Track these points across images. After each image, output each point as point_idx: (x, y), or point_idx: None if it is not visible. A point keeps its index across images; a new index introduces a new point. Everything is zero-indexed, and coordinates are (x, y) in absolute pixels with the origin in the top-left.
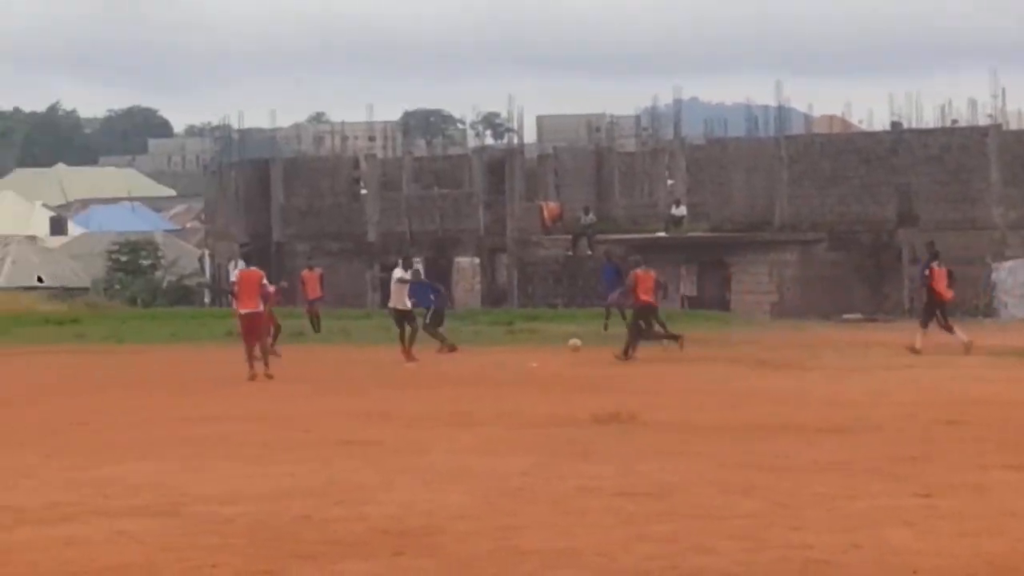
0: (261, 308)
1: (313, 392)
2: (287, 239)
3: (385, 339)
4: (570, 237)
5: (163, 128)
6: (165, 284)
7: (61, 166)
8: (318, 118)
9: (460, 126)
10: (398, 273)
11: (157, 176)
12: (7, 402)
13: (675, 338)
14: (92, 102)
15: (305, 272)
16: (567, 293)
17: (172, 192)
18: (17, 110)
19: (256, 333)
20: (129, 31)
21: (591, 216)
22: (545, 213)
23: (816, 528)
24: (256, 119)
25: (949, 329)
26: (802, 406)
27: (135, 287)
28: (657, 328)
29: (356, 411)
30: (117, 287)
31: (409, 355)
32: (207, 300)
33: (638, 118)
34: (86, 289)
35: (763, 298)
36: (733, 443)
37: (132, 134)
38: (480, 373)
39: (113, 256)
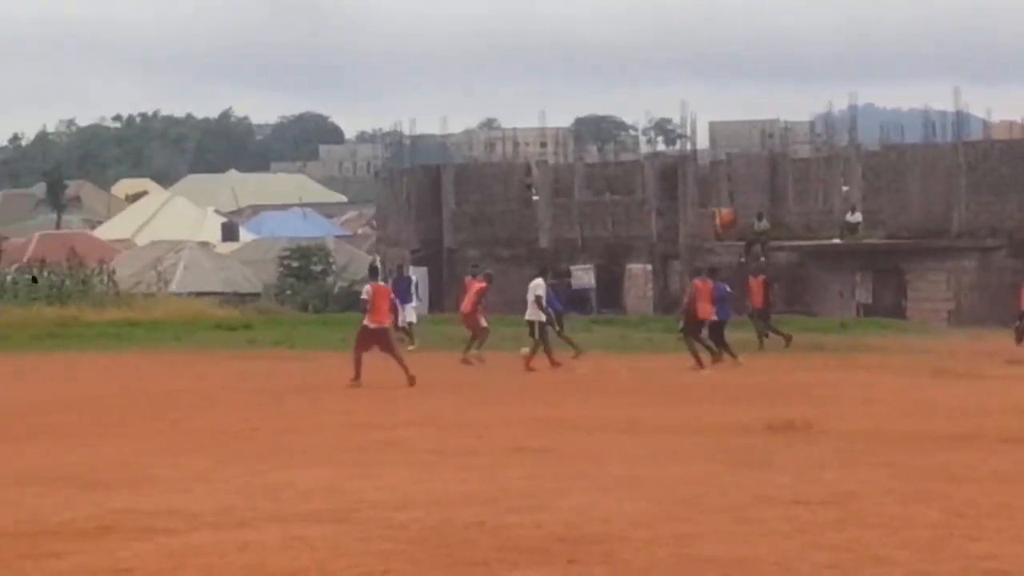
0: (390, 323)
1: (483, 399)
2: (458, 245)
3: (555, 346)
4: (743, 244)
5: (334, 134)
6: (336, 290)
7: (233, 172)
8: (489, 124)
9: (632, 132)
10: (542, 287)
11: (328, 182)
12: (180, 407)
13: (734, 355)
14: (264, 108)
15: (468, 279)
16: (739, 300)
17: (343, 198)
18: (190, 116)
19: (382, 345)
20: (301, 38)
21: (764, 223)
22: (718, 220)
23: (998, 539)
24: (427, 125)
25: None
26: (981, 415)
27: (306, 293)
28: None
29: (527, 418)
30: (288, 293)
31: (527, 363)
32: None
33: (812, 124)
34: (257, 295)
35: (940, 305)
36: (911, 452)
37: (303, 140)
38: (652, 380)
39: (284, 262)
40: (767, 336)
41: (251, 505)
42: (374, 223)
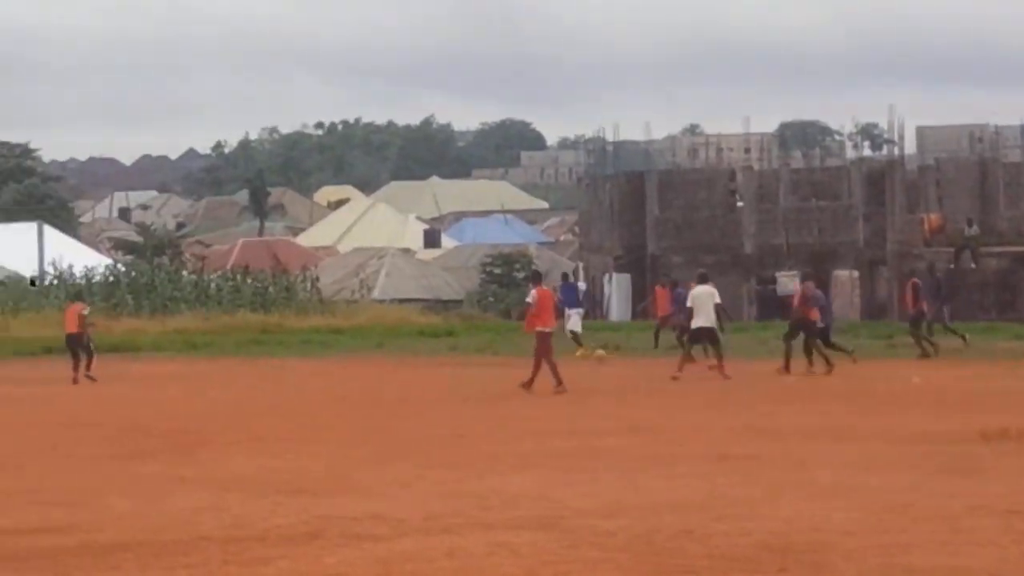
0: (554, 327)
1: (685, 406)
2: (662, 251)
3: (761, 353)
4: (953, 249)
5: (536, 141)
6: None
7: (435, 179)
8: (692, 130)
9: (837, 137)
10: (714, 293)
11: (530, 188)
12: (384, 414)
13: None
14: (466, 115)
15: (658, 288)
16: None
17: (544, 204)
18: (391, 124)
19: (551, 349)
20: (503, 45)
21: (975, 228)
22: (926, 225)
23: None
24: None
25: None
26: None
27: (509, 299)
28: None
29: (731, 425)
30: (491, 299)
31: (722, 371)
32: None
33: (1023, 128)
34: (459, 301)
35: None
36: None
37: (505, 147)
38: (860, 387)
39: (486, 268)
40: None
41: (457, 511)
42: (576, 229)
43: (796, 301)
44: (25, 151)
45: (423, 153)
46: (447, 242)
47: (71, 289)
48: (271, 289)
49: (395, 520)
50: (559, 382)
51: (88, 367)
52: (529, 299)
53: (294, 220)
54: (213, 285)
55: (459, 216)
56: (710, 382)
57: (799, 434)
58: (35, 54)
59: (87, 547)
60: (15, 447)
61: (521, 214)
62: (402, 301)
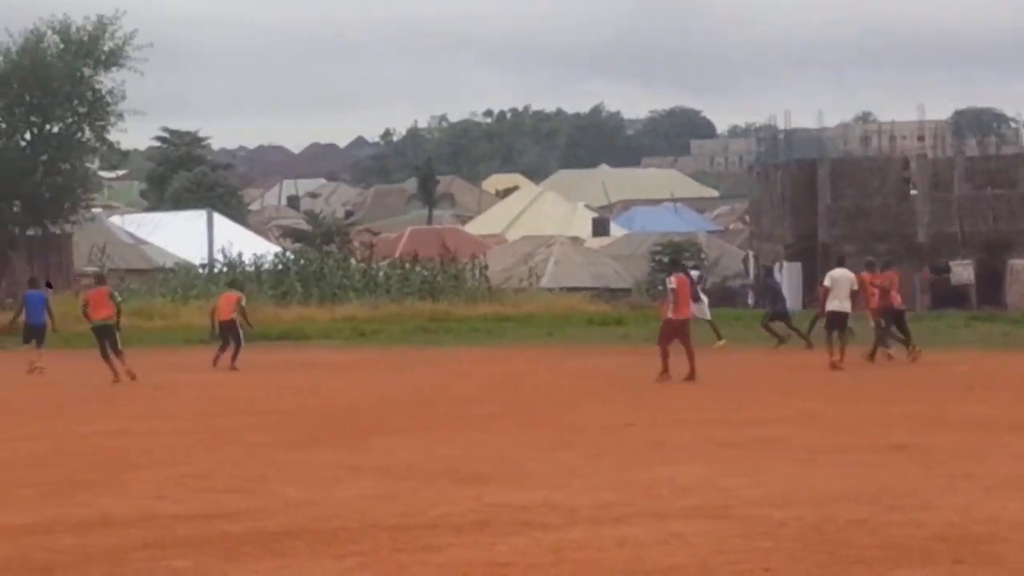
0: (688, 316)
1: (850, 395)
2: (833, 240)
3: (935, 342)
4: None
5: (706, 129)
6: (708, 285)
7: (604, 167)
8: (864, 118)
9: (1013, 125)
10: (852, 279)
11: (699, 177)
12: (553, 402)
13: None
14: (635, 103)
15: (865, 275)
16: None
17: (714, 193)
18: (560, 112)
19: (682, 336)
20: (673, 32)
21: None
22: None
23: None
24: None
25: None
26: None
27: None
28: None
29: (904, 415)
30: (660, 288)
31: (839, 361)
32: (750, 302)
33: None
34: (628, 290)
35: None
36: None
37: (674, 135)
38: None
39: (656, 257)
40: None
41: (628, 500)
42: (747, 218)
43: (880, 290)
44: (195, 139)
45: (592, 141)
46: (616, 230)
47: (231, 276)
48: (439, 277)
49: (566, 509)
50: (664, 370)
51: (234, 357)
52: (670, 286)
53: (463, 208)
54: (382, 273)
55: (628, 204)
56: (877, 370)
57: (972, 424)
58: (205, 42)
59: (257, 534)
60: (185, 434)
61: (691, 202)
62: (571, 289)
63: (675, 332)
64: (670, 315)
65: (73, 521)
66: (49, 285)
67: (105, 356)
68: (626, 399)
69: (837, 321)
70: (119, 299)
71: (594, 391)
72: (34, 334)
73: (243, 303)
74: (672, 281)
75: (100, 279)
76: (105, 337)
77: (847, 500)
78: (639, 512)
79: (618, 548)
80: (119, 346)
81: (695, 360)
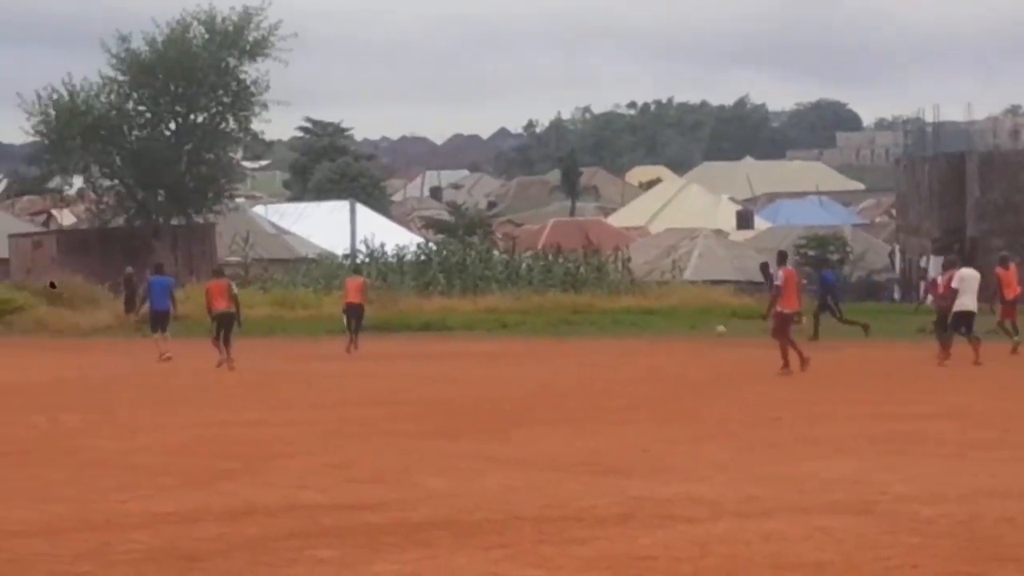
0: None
1: (997, 391)
2: (981, 234)
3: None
4: None
5: (852, 121)
6: (853, 279)
7: (748, 159)
8: (1014, 111)
9: None
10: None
11: (845, 170)
12: (697, 395)
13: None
14: (781, 96)
15: (999, 270)
16: None
17: (860, 186)
18: (705, 103)
19: (790, 330)
20: (818, 24)
21: None
22: None
23: None
24: (949, 111)
25: None
26: None
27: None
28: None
29: None
30: (804, 282)
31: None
32: (896, 296)
33: None
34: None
35: None
36: None
37: (820, 127)
38: None
39: (801, 250)
40: None
41: (773, 495)
42: (893, 211)
43: (942, 289)
44: (338, 130)
45: (737, 133)
46: (760, 223)
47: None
48: (582, 269)
49: (710, 502)
50: (785, 364)
51: (354, 340)
52: (777, 281)
53: (605, 200)
54: (524, 265)
55: (773, 197)
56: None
57: None
58: (347, 33)
59: (400, 524)
60: (327, 424)
61: (836, 195)
62: (714, 282)
63: (787, 324)
64: (779, 308)
65: (217, 510)
66: (161, 270)
67: (217, 341)
68: (770, 392)
69: (964, 320)
70: (236, 291)
71: (737, 384)
72: (159, 319)
73: (367, 288)
74: (779, 275)
75: (219, 272)
76: (224, 325)
77: (997, 497)
78: (785, 506)
79: (763, 542)
80: (231, 338)
81: (789, 355)
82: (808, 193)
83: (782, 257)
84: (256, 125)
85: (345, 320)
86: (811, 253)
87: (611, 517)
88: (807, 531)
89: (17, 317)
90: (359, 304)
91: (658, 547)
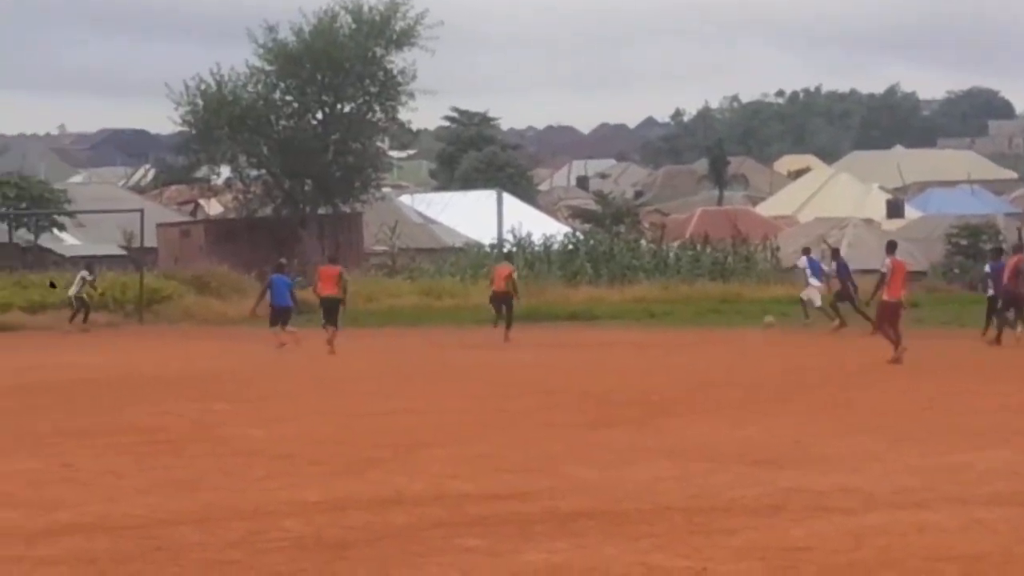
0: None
1: None
2: None
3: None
4: None
5: (1005, 109)
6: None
7: (899, 148)
8: None
9: None
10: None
11: (997, 158)
12: (848, 385)
13: None
14: (932, 84)
15: None
16: None
17: (1013, 175)
18: (854, 92)
19: (897, 319)
20: (970, 11)
21: None
22: None
23: None
24: None
25: None
26: None
27: (975, 271)
28: None
29: None
30: (956, 271)
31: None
32: None
33: None
34: (924, 273)
35: None
36: None
37: (971, 115)
38: None
39: (952, 240)
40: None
41: (928, 486)
42: None
43: (1008, 275)
44: (484, 119)
45: (887, 122)
46: (911, 212)
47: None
48: (730, 259)
49: (863, 493)
50: (897, 352)
51: (508, 330)
52: (884, 269)
53: (754, 189)
54: (672, 254)
55: (923, 186)
56: None
57: None
58: (494, 22)
59: (550, 514)
60: (474, 413)
61: (988, 184)
62: (864, 272)
63: (894, 313)
64: (884, 297)
65: (366, 499)
66: (281, 269)
67: (324, 325)
68: (921, 383)
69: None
70: (346, 279)
71: (887, 374)
72: (280, 315)
73: (515, 276)
74: (887, 263)
75: (333, 259)
76: (329, 310)
77: None
78: (940, 498)
79: (919, 534)
80: (337, 323)
81: (898, 340)
82: (959, 182)
83: (891, 246)
84: (403, 114)
85: (493, 310)
86: (963, 242)
87: (763, 508)
88: (963, 523)
89: (165, 306)
90: (504, 292)
91: (812, 538)
